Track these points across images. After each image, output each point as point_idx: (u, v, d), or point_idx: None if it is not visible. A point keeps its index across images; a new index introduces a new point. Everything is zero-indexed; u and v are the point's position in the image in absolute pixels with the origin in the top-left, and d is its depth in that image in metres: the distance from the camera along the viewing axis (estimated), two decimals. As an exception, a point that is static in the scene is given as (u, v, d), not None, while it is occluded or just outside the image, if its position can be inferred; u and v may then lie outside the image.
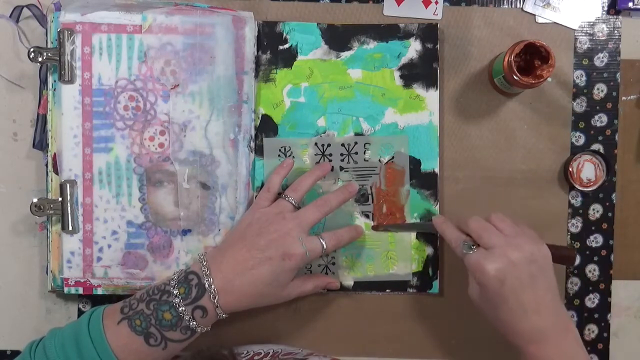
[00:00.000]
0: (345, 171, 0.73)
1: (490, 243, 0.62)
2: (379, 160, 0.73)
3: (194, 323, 0.62)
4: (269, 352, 0.69)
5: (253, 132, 0.72)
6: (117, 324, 0.61)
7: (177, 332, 0.62)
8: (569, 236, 0.75)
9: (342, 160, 0.73)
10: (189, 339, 0.63)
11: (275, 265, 0.64)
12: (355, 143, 0.73)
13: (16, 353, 0.75)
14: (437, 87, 0.73)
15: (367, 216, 0.74)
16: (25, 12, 0.73)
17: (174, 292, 0.62)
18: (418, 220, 0.73)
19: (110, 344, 0.60)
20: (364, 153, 0.73)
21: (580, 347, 0.62)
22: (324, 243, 0.66)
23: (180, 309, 0.61)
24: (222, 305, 0.62)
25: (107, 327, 0.61)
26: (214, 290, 0.62)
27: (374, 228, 0.73)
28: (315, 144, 0.73)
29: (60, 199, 0.70)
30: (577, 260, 0.75)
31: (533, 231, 0.64)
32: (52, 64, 0.70)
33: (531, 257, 0.61)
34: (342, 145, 0.73)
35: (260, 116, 0.73)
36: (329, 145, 0.73)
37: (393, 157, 0.73)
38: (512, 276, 0.60)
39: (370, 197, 0.74)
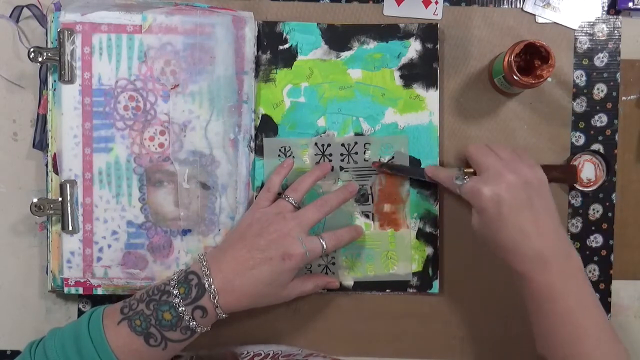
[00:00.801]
0: (345, 171, 0.73)
1: (486, 165, 0.62)
2: (379, 160, 0.73)
3: (194, 323, 0.62)
4: (269, 353, 0.69)
5: (253, 132, 0.73)
6: (117, 324, 0.61)
7: (177, 332, 0.62)
8: (569, 236, 0.75)
9: (342, 160, 0.73)
10: (189, 339, 0.63)
11: (276, 265, 0.64)
12: (355, 143, 0.73)
13: (16, 353, 0.75)
14: (437, 87, 0.73)
15: (367, 216, 0.74)
16: (25, 12, 0.73)
17: (174, 292, 0.62)
18: (418, 221, 0.73)
19: (110, 344, 0.60)
20: (364, 153, 0.73)
21: (583, 276, 0.61)
22: (324, 243, 0.66)
23: (180, 309, 0.61)
24: (222, 305, 0.62)
25: (107, 327, 0.61)
26: (214, 290, 0.62)
27: (375, 164, 0.73)
28: (315, 144, 0.73)
29: (60, 199, 0.70)
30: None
31: (531, 159, 0.64)
32: (52, 64, 0.70)
33: (526, 179, 0.61)
34: (342, 145, 0.73)
35: (260, 116, 0.73)
36: (329, 145, 0.73)
37: (393, 157, 0.73)
38: (509, 196, 0.60)
39: (370, 197, 0.74)
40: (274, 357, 0.68)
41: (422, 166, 0.73)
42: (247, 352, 0.70)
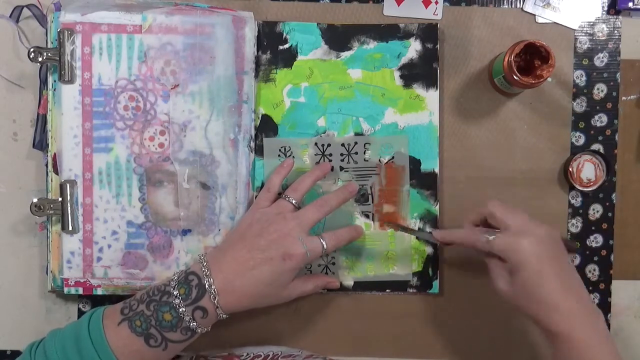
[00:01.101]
0: (345, 171, 0.73)
1: (514, 220, 0.61)
2: (379, 160, 0.73)
3: (194, 324, 0.62)
4: (269, 354, 0.69)
5: (253, 132, 0.72)
6: (117, 324, 0.61)
7: (177, 332, 0.62)
8: (569, 236, 0.75)
9: (342, 160, 0.73)
10: (189, 339, 0.63)
11: (276, 265, 0.63)
12: (355, 143, 0.73)
13: (16, 353, 0.75)
14: (437, 87, 0.73)
15: (367, 216, 0.74)
16: (25, 11, 0.73)
17: (174, 292, 0.62)
18: (418, 221, 0.73)
19: (110, 344, 0.60)
20: (364, 153, 0.73)
21: (608, 332, 0.60)
22: (324, 243, 0.66)
23: (180, 310, 0.61)
24: (223, 305, 0.62)
25: (107, 327, 0.61)
26: (214, 290, 0.62)
27: (382, 223, 0.73)
28: (315, 144, 0.73)
29: (60, 199, 0.70)
30: (577, 260, 0.75)
31: None
32: (52, 64, 0.70)
33: (553, 235, 0.61)
34: (342, 145, 0.73)
35: (260, 116, 0.73)
36: (329, 145, 0.73)
37: (393, 157, 0.73)
38: (547, 250, 0.59)
39: (370, 197, 0.74)
40: (274, 359, 0.68)
41: (421, 166, 0.73)
42: (247, 354, 0.70)
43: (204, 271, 0.63)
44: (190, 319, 0.61)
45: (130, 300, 0.64)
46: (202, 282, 0.62)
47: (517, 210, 0.63)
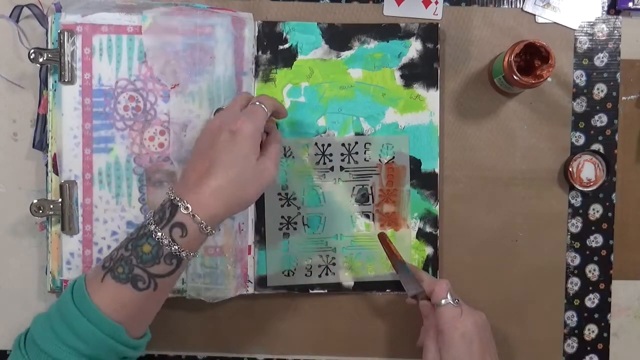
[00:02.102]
0: (345, 171, 0.73)
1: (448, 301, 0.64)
2: (379, 160, 0.73)
3: (176, 247, 0.57)
4: None
5: (253, 132, 0.72)
6: (101, 281, 0.57)
7: (161, 264, 0.57)
8: (569, 236, 0.75)
9: (343, 160, 0.73)
10: (178, 270, 0.58)
11: (228, 145, 0.59)
12: (356, 143, 0.73)
13: (16, 353, 0.75)
14: (437, 87, 0.73)
15: (367, 216, 0.74)
16: (26, 11, 0.73)
17: (148, 221, 0.58)
18: (418, 221, 0.73)
19: (100, 307, 0.56)
20: (364, 153, 0.73)
21: None
22: (262, 105, 0.62)
23: (157, 235, 0.56)
24: (199, 212, 0.57)
25: (92, 291, 0.57)
26: (184, 202, 0.57)
27: (380, 235, 0.72)
28: (316, 143, 0.73)
29: (60, 199, 0.70)
30: (577, 260, 0.75)
31: None
32: (53, 65, 0.70)
33: (485, 321, 0.64)
34: (343, 145, 0.73)
35: (260, 116, 0.73)
36: (329, 145, 0.73)
37: (394, 157, 0.73)
38: (478, 337, 0.62)
39: (370, 197, 0.74)
40: None
41: (421, 166, 0.73)
42: None
43: (170, 195, 0.59)
44: (169, 241, 0.56)
45: (110, 252, 0.60)
46: (173, 201, 0.58)
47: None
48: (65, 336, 0.56)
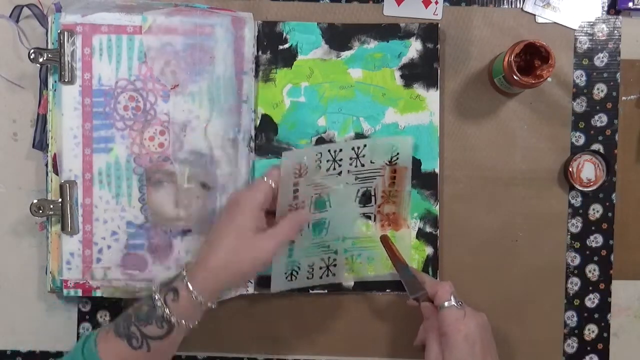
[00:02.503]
0: (352, 174, 0.72)
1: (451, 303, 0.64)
2: (384, 161, 0.73)
3: (167, 311, 0.59)
4: None
5: (253, 132, 0.72)
6: (107, 333, 0.60)
7: (153, 325, 0.59)
8: (569, 236, 0.75)
9: (351, 165, 0.72)
10: (168, 335, 0.60)
11: (227, 215, 0.63)
12: (365, 145, 0.72)
13: (16, 353, 0.75)
14: (437, 87, 0.73)
15: (368, 217, 0.73)
16: (26, 11, 0.73)
17: (156, 286, 0.61)
18: (418, 221, 0.73)
19: (101, 357, 0.59)
20: (370, 155, 0.73)
21: None
22: (269, 181, 0.64)
23: (155, 297, 0.60)
24: (194, 283, 0.60)
25: (100, 342, 0.60)
26: (184, 272, 0.61)
27: (382, 238, 0.71)
28: (329, 151, 0.69)
29: (60, 199, 0.70)
30: (577, 260, 0.75)
31: None
32: (53, 65, 0.70)
33: (486, 322, 0.64)
34: (352, 149, 0.71)
35: (260, 116, 0.73)
36: (340, 150, 0.70)
37: (397, 158, 0.72)
38: (480, 338, 0.62)
39: (373, 198, 0.73)
40: None
41: (422, 166, 0.73)
42: None
43: (183, 266, 0.63)
44: (162, 304, 0.59)
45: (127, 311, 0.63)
46: (181, 272, 0.62)
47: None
48: None
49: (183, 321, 0.60)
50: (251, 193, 0.64)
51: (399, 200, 0.73)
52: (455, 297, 0.64)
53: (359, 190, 0.73)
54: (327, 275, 0.74)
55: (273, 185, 0.64)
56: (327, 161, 0.70)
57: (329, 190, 0.71)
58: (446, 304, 0.63)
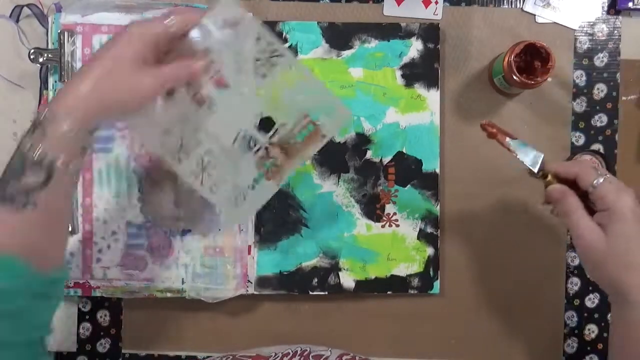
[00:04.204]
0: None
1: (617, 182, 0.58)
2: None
3: (39, 152, 0.50)
4: (297, 351, 0.64)
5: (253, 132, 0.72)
6: None
7: (29, 175, 0.50)
8: (569, 236, 0.75)
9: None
10: (50, 180, 0.51)
11: (108, 44, 0.54)
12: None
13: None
14: (438, 87, 0.73)
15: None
16: (26, 11, 0.73)
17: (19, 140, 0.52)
18: (419, 221, 0.73)
19: None
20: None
21: None
22: (168, 14, 0.55)
23: (21, 146, 0.51)
24: (57, 108, 0.51)
25: None
26: (46, 108, 0.52)
27: (484, 126, 0.63)
28: (270, 44, 0.58)
29: (60, 199, 0.70)
30: (577, 261, 0.75)
31: None
32: (53, 65, 0.70)
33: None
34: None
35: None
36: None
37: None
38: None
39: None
40: (303, 355, 0.65)
41: (422, 166, 0.73)
42: (275, 354, 0.64)
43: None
44: (30, 145, 0.51)
45: None
46: (39, 114, 0.52)
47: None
48: None
49: (61, 159, 0.52)
50: (146, 24, 0.54)
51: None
52: (599, 169, 0.58)
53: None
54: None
55: (172, 24, 0.54)
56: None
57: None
58: (600, 179, 0.57)
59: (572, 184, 0.60)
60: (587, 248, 0.57)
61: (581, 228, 0.57)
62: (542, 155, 0.60)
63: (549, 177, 0.60)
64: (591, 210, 0.58)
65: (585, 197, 0.58)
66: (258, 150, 0.61)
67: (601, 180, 0.57)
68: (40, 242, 0.53)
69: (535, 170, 0.61)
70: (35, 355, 0.52)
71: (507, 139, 0.61)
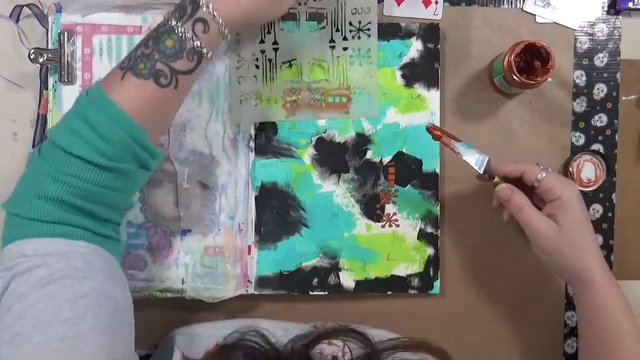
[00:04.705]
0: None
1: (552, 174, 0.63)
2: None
3: (198, 42, 0.56)
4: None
5: (253, 132, 0.72)
6: (121, 79, 0.55)
7: (184, 59, 0.56)
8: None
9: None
10: (197, 68, 0.58)
11: None
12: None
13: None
14: (438, 87, 0.73)
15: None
16: (26, 11, 0.73)
17: (167, 18, 0.57)
18: (419, 221, 0.73)
19: (121, 105, 0.54)
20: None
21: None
22: None
23: (180, 30, 0.56)
24: (219, 10, 0.56)
25: (110, 91, 0.55)
26: (206, 0, 0.56)
27: (429, 129, 0.66)
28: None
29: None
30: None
31: None
32: (53, 65, 0.70)
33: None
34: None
35: (260, 116, 0.73)
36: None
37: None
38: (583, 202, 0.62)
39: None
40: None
41: (422, 166, 0.73)
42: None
43: None
44: (192, 36, 0.56)
45: (129, 53, 0.58)
46: None
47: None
48: (86, 133, 0.53)
49: (210, 53, 0.58)
50: None
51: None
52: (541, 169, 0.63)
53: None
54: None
55: None
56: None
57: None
58: (544, 174, 0.62)
59: (518, 183, 0.64)
60: (542, 239, 0.61)
61: (534, 220, 0.61)
62: (488, 157, 0.64)
63: (496, 179, 0.64)
64: (538, 207, 0.62)
65: (530, 195, 0.63)
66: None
67: (544, 174, 0.62)
68: (161, 120, 0.59)
69: (481, 171, 0.64)
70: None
71: (452, 141, 0.65)
